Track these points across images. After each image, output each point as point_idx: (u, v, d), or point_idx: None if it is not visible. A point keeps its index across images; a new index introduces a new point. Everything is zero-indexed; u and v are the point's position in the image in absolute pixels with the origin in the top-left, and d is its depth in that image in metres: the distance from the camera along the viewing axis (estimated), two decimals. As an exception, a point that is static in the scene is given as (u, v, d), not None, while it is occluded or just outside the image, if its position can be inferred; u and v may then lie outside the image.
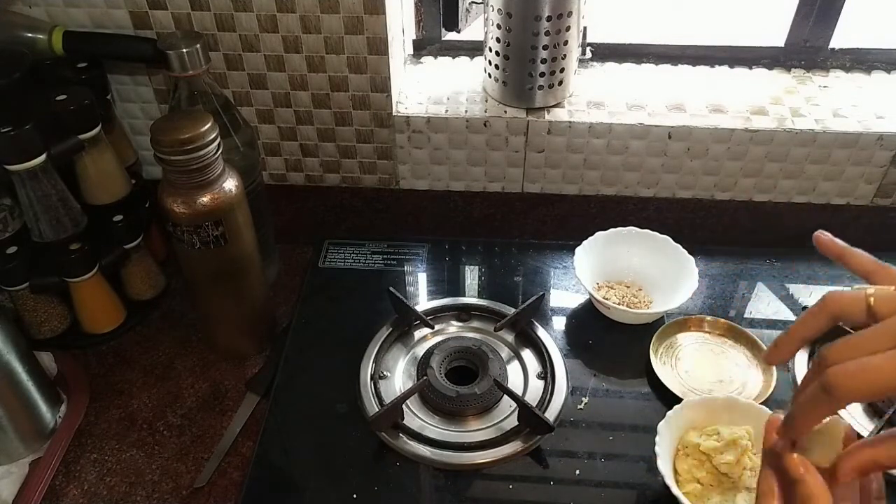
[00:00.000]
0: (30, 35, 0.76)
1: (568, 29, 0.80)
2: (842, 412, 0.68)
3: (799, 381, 0.74)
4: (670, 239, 0.83)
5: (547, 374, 0.76)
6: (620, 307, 0.79)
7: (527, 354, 0.79)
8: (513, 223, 0.96)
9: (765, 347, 0.76)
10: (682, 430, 0.67)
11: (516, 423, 0.71)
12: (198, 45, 0.72)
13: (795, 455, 0.41)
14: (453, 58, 0.97)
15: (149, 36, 0.80)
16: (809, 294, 0.85)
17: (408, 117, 0.86)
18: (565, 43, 0.82)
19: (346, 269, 0.89)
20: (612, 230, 0.85)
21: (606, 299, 0.80)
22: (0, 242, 0.76)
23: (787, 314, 0.83)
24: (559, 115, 0.86)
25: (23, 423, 0.71)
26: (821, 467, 0.40)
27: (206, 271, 0.74)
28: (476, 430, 0.71)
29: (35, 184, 0.71)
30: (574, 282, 0.86)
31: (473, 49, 0.96)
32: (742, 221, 0.93)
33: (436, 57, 0.97)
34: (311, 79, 0.84)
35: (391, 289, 0.80)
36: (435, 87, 0.90)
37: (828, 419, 0.40)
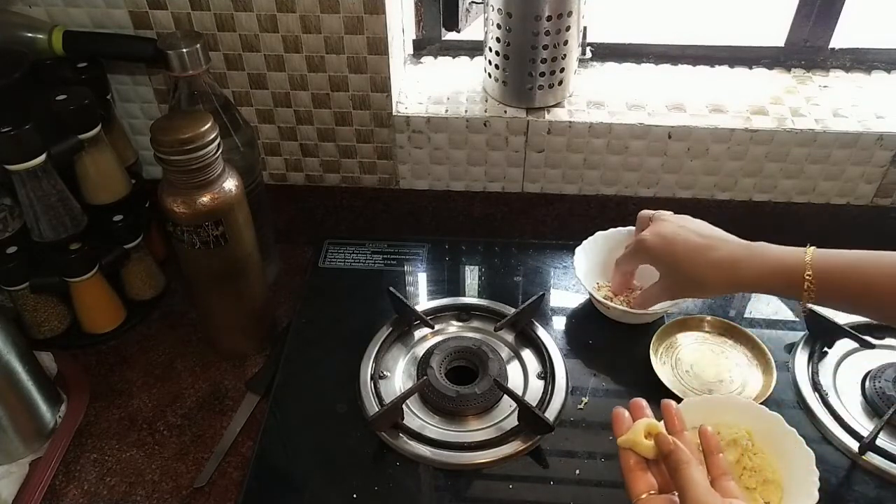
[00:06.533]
0: (30, 35, 0.76)
1: (568, 29, 0.80)
2: (847, 412, 0.69)
3: (799, 380, 0.74)
4: (670, 239, 0.83)
5: (547, 374, 0.76)
6: (620, 307, 0.79)
7: (527, 354, 0.79)
8: (513, 223, 0.96)
9: (765, 347, 0.77)
10: (681, 430, 0.67)
11: (516, 422, 0.71)
12: (198, 45, 0.72)
13: (664, 433, 0.52)
14: (453, 58, 0.97)
15: (149, 36, 0.80)
16: (809, 294, 0.85)
17: (408, 117, 0.86)
18: (565, 43, 0.82)
19: (346, 269, 0.89)
20: (612, 230, 0.85)
21: (606, 299, 0.80)
22: (0, 242, 0.76)
23: (786, 314, 0.83)
24: (559, 114, 0.86)
25: (23, 423, 0.71)
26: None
27: (206, 271, 0.74)
28: (476, 430, 0.71)
29: (35, 184, 0.71)
30: (574, 282, 0.86)
31: (473, 49, 0.96)
32: (742, 221, 0.92)
33: (436, 57, 0.97)
34: (311, 79, 0.84)
35: (391, 289, 0.80)
36: (435, 87, 0.90)
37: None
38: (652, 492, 0.52)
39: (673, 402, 0.57)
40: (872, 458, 0.67)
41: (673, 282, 0.72)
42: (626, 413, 0.55)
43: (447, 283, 0.88)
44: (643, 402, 0.56)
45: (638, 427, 0.53)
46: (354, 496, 0.66)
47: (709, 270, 0.67)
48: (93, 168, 0.78)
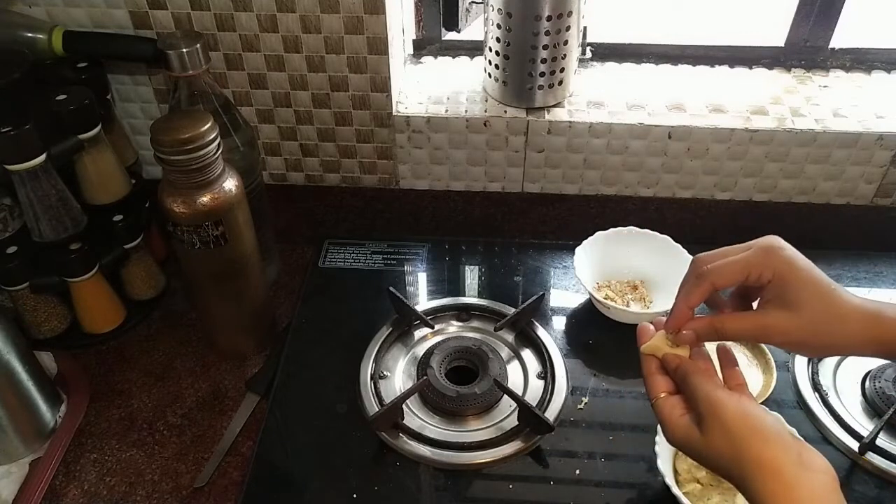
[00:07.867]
0: (30, 35, 0.76)
1: (568, 29, 0.80)
2: (847, 412, 0.69)
3: (799, 380, 0.74)
4: (670, 239, 0.83)
5: (547, 373, 0.76)
6: (620, 307, 0.79)
7: (527, 354, 0.79)
8: (513, 223, 0.96)
9: (765, 347, 0.76)
10: (682, 429, 0.67)
11: (516, 422, 0.71)
12: (198, 45, 0.72)
13: (670, 352, 0.56)
14: (453, 58, 0.97)
15: (149, 36, 0.80)
16: (809, 294, 0.85)
17: (408, 117, 0.86)
18: (565, 43, 0.82)
19: (346, 269, 0.89)
20: (612, 230, 0.85)
21: (606, 299, 0.80)
22: (0, 242, 0.76)
23: (787, 314, 0.83)
24: (559, 114, 0.86)
25: (23, 423, 0.71)
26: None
27: (206, 271, 0.74)
28: (476, 430, 0.71)
29: (35, 184, 0.71)
30: (574, 282, 0.86)
31: (473, 49, 0.96)
32: (742, 221, 0.93)
33: (436, 57, 0.97)
34: (311, 79, 0.84)
35: (391, 289, 0.80)
36: (435, 87, 0.90)
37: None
38: (670, 392, 0.55)
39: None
40: (872, 458, 0.67)
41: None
42: (651, 326, 0.59)
43: (447, 283, 0.88)
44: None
45: (660, 335, 0.57)
46: (354, 496, 0.66)
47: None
48: (93, 168, 0.78)
